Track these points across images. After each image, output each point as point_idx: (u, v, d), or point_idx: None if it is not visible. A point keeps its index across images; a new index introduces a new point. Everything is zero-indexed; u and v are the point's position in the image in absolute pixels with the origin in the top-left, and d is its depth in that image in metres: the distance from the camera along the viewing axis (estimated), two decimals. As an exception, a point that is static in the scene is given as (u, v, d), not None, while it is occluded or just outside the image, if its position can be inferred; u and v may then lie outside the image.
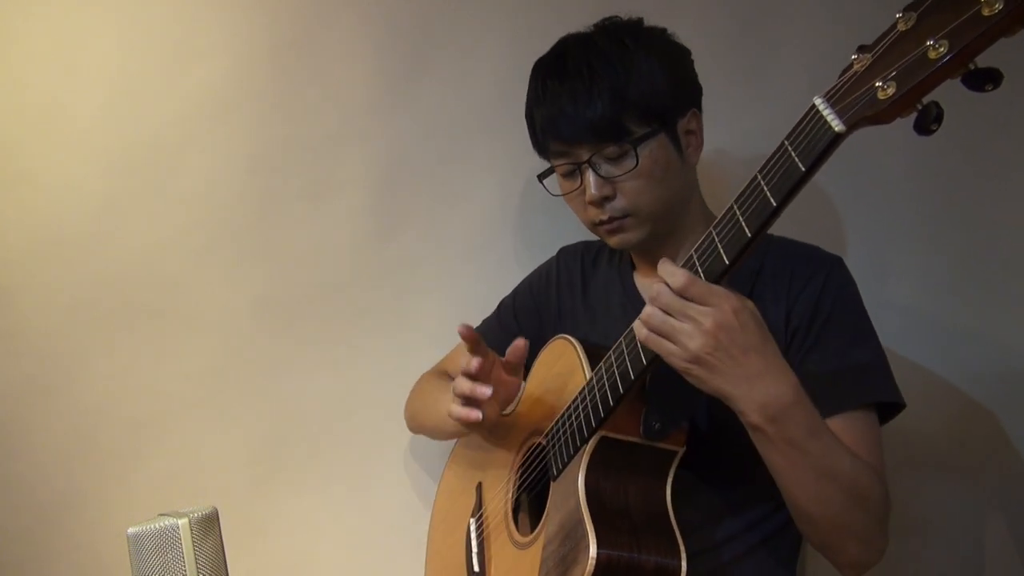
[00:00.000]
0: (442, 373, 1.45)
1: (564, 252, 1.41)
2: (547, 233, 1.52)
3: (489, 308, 1.45)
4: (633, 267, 1.29)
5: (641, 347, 0.96)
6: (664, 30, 1.19)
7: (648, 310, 0.91)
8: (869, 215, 1.49)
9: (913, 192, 1.48)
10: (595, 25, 1.19)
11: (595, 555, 0.96)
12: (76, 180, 1.42)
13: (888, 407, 1.09)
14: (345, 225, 1.50)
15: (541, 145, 1.21)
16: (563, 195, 1.20)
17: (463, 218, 1.53)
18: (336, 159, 1.49)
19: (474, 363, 1.11)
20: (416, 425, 1.45)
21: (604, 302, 1.29)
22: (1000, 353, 1.44)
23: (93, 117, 1.42)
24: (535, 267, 1.44)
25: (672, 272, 0.89)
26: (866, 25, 1.36)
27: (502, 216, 1.53)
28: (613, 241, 1.19)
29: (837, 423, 1.02)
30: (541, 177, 1.23)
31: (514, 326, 1.39)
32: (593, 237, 1.30)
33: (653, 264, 1.23)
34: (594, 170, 1.13)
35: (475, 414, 1.11)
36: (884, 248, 1.49)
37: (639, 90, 1.11)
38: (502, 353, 1.42)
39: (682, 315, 0.88)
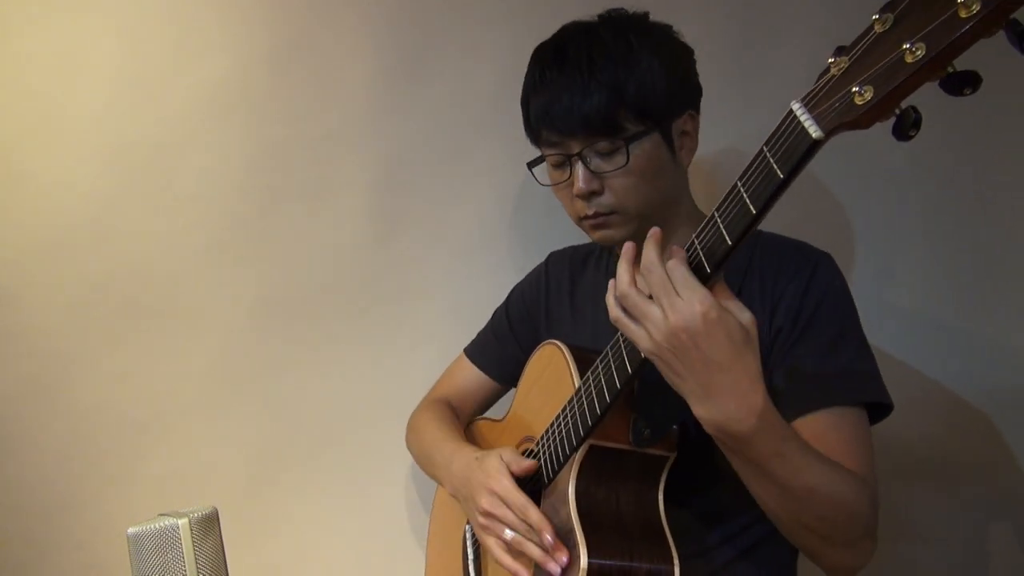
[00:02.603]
0: (440, 403, 1.40)
1: (553, 257, 1.40)
2: (545, 234, 1.51)
3: (486, 309, 1.45)
4: None
5: (627, 355, 0.94)
6: (669, 27, 1.18)
7: (623, 289, 0.87)
8: (866, 215, 1.48)
9: (910, 192, 1.47)
10: (599, 16, 1.17)
11: (586, 565, 0.96)
12: (76, 180, 1.43)
13: (876, 409, 1.06)
14: (345, 225, 1.50)
15: (534, 133, 1.19)
16: (551, 185, 1.19)
17: (462, 219, 1.53)
18: (336, 159, 1.49)
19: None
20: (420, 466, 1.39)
21: (592, 305, 1.28)
22: (998, 356, 1.43)
23: (93, 117, 1.43)
24: (533, 268, 1.44)
25: (676, 250, 0.86)
26: (865, 27, 1.37)
27: (501, 217, 1.53)
28: (596, 236, 1.17)
29: (818, 420, 1.01)
30: (531, 165, 1.21)
31: (510, 337, 1.39)
32: (583, 240, 1.29)
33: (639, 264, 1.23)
34: (584, 163, 1.11)
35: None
36: (881, 248, 1.48)
37: (637, 88, 1.09)
38: (500, 364, 1.39)
39: (659, 297, 0.84)
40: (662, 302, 0.84)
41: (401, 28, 1.49)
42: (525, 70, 1.20)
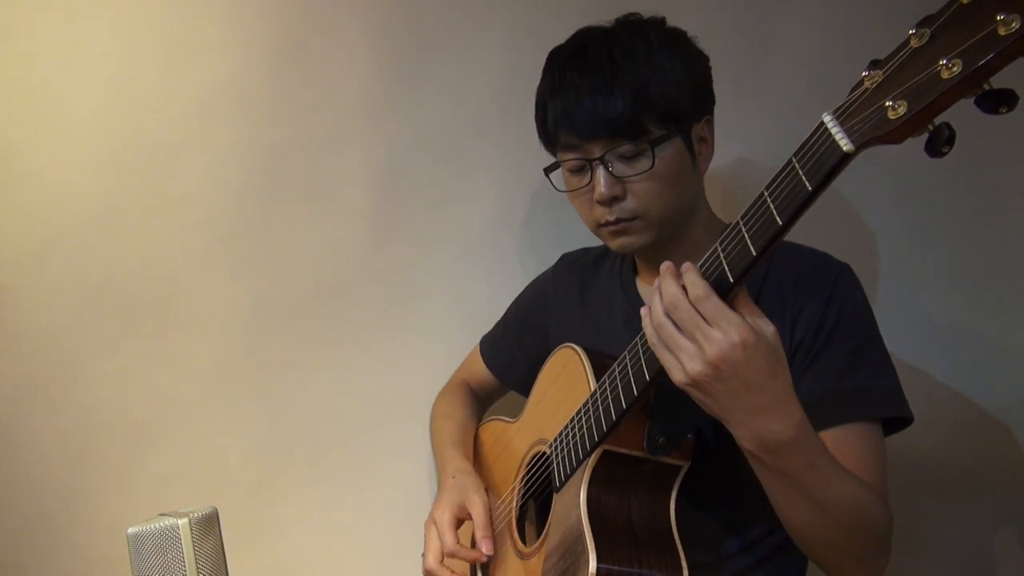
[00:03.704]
0: (463, 388, 1.46)
1: (563, 260, 1.39)
2: (545, 235, 1.52)
3: (488, 309, 1.45)
4: (635, 272, 1.26)
5: (645, 362, 0.94)
6: (685, 33, 1.16)
7: (659, 319, 0.86)
8: (872, 217, 1.49)
9: (917, 193, 1.47)
10: (616, 20, 1.16)
11: (595, 570, 0.96)
12: (76, 180, 1.42)
13: (895, 419, 1.07)
14: (345, 227, 1.50)
15: (551, 137, 1.16)
16: (568, 192, 1.17)
17: (462, 220, 1.52)
18: (335, 161, 1.49)
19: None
20: None
21: (606, 309, 1.27)
22: (1009, 361, 1.43)
23: (93, 117, 1.42)
24: (533, 268, 1.44)
25: (694, 282, 0.85)
26: (868, 34, 1.37)
27: (500, 218, 1.53)
28: (616, 244, 1.15)
29: (836, 436, 1.01)
30: (548, 171, 1.19)
31: (515, 338, 1.39)
32: (594, 241, 1.28)
33: (656, 269, 1.23)
34: (606, 168, 1.09)
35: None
36: (888, 250, 1.48)
37: (660, 90, 1.08)
38: (504, 366, 1.41)
39: (691, 332, 0.84)
40: (695, 336, 0.83)
41: (400, 29, 1.49)
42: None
